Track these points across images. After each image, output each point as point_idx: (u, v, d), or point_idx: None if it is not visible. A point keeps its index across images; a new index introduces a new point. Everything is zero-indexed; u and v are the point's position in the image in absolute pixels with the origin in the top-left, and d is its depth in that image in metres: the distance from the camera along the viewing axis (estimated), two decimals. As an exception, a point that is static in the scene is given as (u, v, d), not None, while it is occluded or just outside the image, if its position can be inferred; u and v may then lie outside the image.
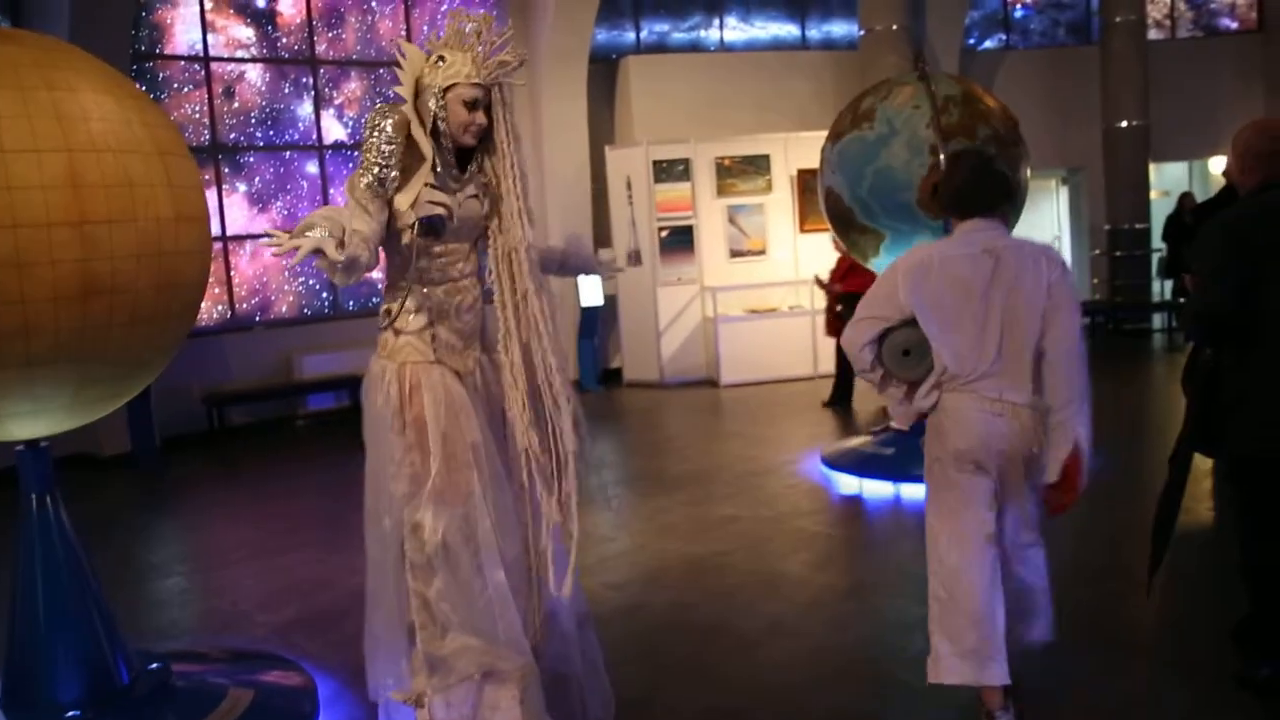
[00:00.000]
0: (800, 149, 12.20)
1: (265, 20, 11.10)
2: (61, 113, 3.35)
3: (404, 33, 11.97)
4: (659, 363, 12.21)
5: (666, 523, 6.37)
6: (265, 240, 3.05)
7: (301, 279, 11.37)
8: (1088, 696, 3.85)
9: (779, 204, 12.36)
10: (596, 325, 12.31)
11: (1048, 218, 15.67)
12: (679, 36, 14.30)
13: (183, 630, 5.20)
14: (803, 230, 12.30)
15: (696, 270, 12.21)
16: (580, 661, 3.60)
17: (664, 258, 12.19)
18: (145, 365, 3.81)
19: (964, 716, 3.63)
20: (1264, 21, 15.10)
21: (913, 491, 6.71)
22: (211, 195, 10.40)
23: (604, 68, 13.14)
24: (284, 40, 11.24)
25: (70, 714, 3.73)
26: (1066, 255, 16.85)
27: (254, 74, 11.08)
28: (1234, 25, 15.43)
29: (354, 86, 11.79)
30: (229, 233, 10.75)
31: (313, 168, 11.48)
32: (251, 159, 11.07)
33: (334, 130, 11.63)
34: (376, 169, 3.18)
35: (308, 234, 2.93)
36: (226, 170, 10.82)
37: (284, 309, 11.25)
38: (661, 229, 12.14)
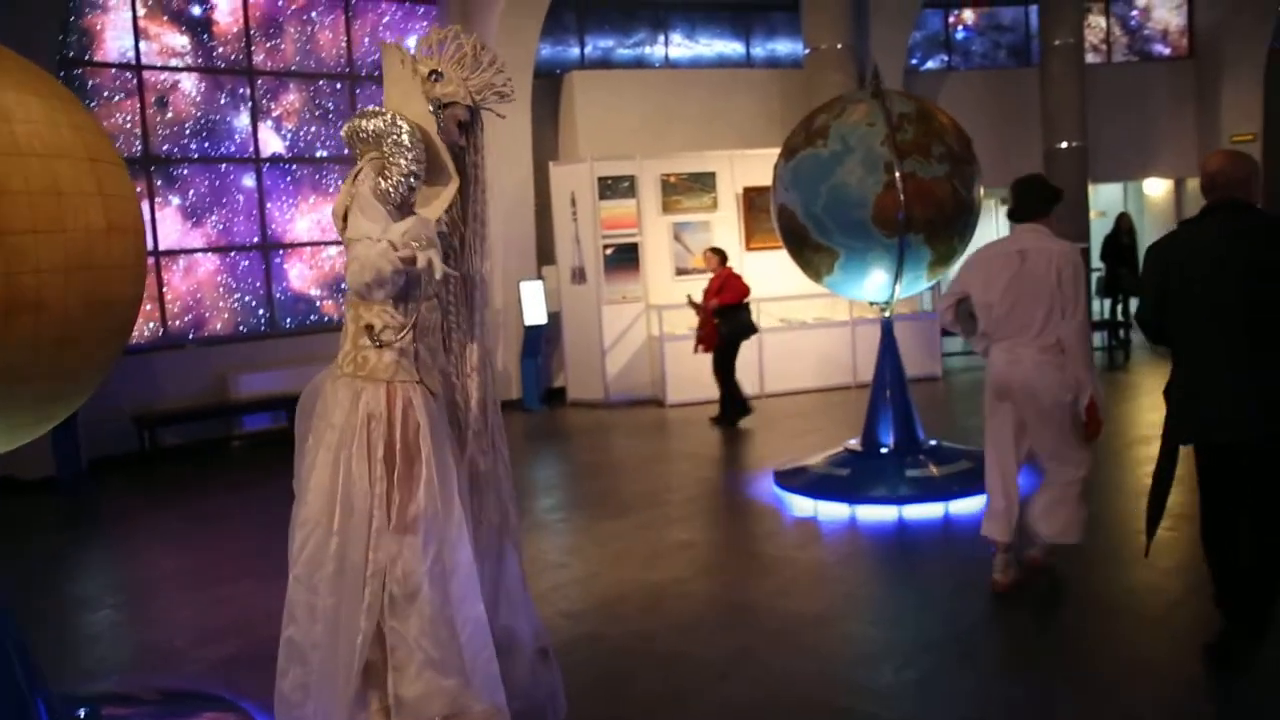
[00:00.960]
0: (746, 166, 12.16)
1: (200, 28, 10.78)
2: (-18, 114, 3.10)
3: (344, 43, 11.71)
4: (604, 381, 12.03)
5: (620, 548, 6.19)
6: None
7: (237, 295, 11.03)
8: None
9: (725, 221, 12.27)
10: (540, 344, 12.11)
11: (987, 236, 15.73)
12: (624, 53, 14.20)
13: (112, 669, 4.89)
14: (749, 248, 12.22)
15: (642, 288, 12.07)
16: (543, 695, 3.44)
17: (609, 275, 12.03)
18: (76, 387, 3.55)
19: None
20: (1195, 49, 15.40)
21: (869, 513, 6.62)
22: (144, 208, 10.04)
23: (548, 83, 12.99)
24: (220, 49, 10.93)
25: (-14, 766, 3.45)
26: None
27: (188, 83, 10.75)
28: (1166, 51, 15.72)
29: (293, 98, 11.49)
30: (161, 247, 10.39)
31: (249, 181, 11.16)
32: (185, 171, 10.72)
33: (272, 143, 11.32)
34: (413, 180, 3.13)
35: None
36: (159, 183, 10.47)
37: (219, 326, 10.90)
38: (606, 246, 11.99)
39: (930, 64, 15.42)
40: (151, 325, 10.32)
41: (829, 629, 4.77)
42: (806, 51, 13.72)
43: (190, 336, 10.66)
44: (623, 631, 4.82)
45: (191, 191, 10.78)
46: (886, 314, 7.45)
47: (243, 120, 11.09)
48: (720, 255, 10.37)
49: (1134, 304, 14.66)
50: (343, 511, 3.10)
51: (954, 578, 5.35)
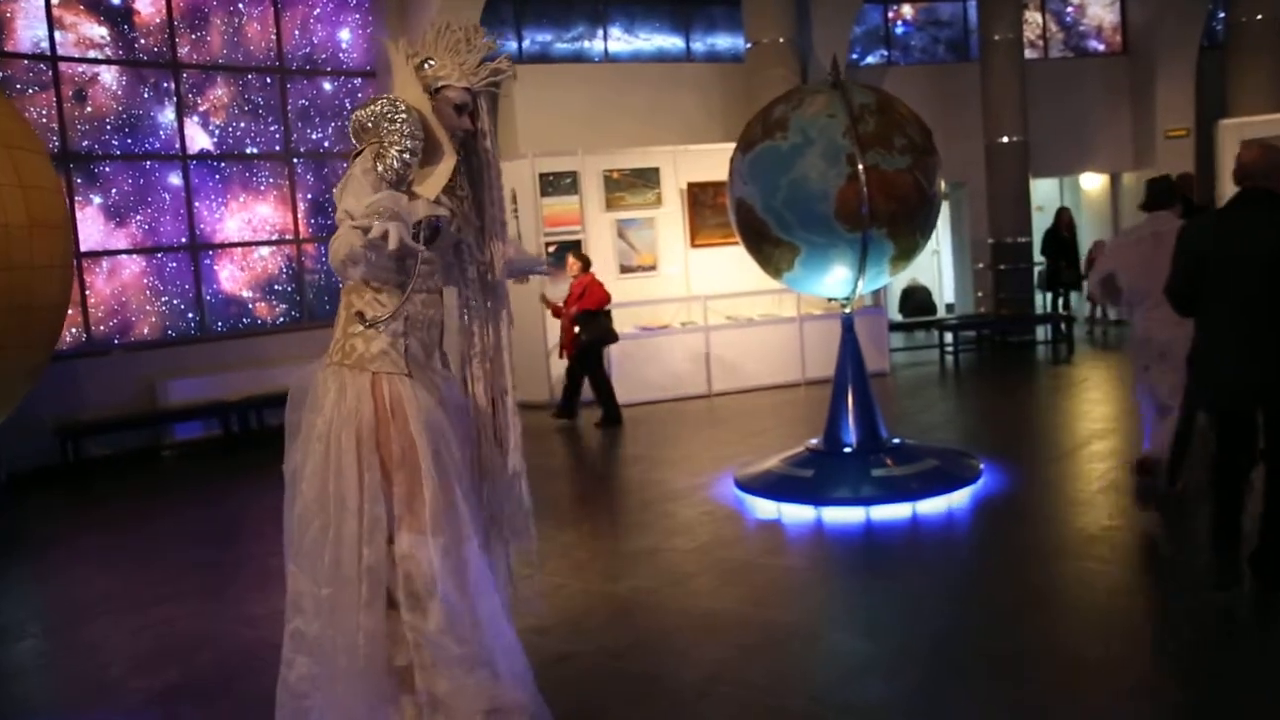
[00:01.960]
0: (691, 162, 11.96)
1: (120, 19, 10.29)
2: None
3: (273, 36, 11.27)
4: (549, 383, 11.73)
5: (580, 558, 5.93)
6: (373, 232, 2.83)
7: (165, 298, 10.54)
8: None
9: (669, 218, 12.05)
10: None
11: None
12: (562, 47, 13.92)
13: (40, 704, 4.52)
14: (694, 245, 12.03)
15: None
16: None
17: (552, 274, 11.74)
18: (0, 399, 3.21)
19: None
20: (1128, 45, 15.54)
21: (836, 515, 6.44)
22: (62, 207, 9.52)
23: (485, 77, 12.64)
24: (142, 41, 10.44)
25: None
26: (947, 269, 17.09)
27: (109, 76, 10.25)
28: (1101, 48, 15.84)
29: (220, 93, 11.03)
30: (83, 248, 9.88)
31: (176, 179, 10.68)
32: (107, 169, 10.22)
33: (199, 139, 10.85)
34: (408, 155, 3.05)
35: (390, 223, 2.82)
36: (79, 180, 9.96)
37: (145, 331, 10.42)
38: (549, 244, 11.70)
39: (870, 59, 15.37)
40: (74, 330, 9.81)
41: (809, 641, 4.56)
42: (748, 46, 13.59)
43: (115, 342, 10.17)
44: (593, 649, 4.55)
45: (114, 190, 10.29)
46: (847, 310, 7.28)
47: (168, 115, 10.62)
48: (584, 261, 10.29)
49: (1074, 298, 14.78)
50: (335, 502, 3.03)
51: (931, 583, 5.18)
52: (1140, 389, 6.44)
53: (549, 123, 12.60)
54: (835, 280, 6.93)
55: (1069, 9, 15.86)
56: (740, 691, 4.04)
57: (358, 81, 11.93)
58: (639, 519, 6.68)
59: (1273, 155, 4.60)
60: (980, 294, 15.10)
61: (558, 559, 5.90)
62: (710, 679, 4.16)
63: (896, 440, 7.23)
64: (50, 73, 9.75)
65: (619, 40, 14.21)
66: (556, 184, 11.73)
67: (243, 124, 11.15)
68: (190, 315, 10.71)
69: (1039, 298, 14.93)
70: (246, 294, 11.25)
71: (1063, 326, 13.50)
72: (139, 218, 10.44)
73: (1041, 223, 14.90)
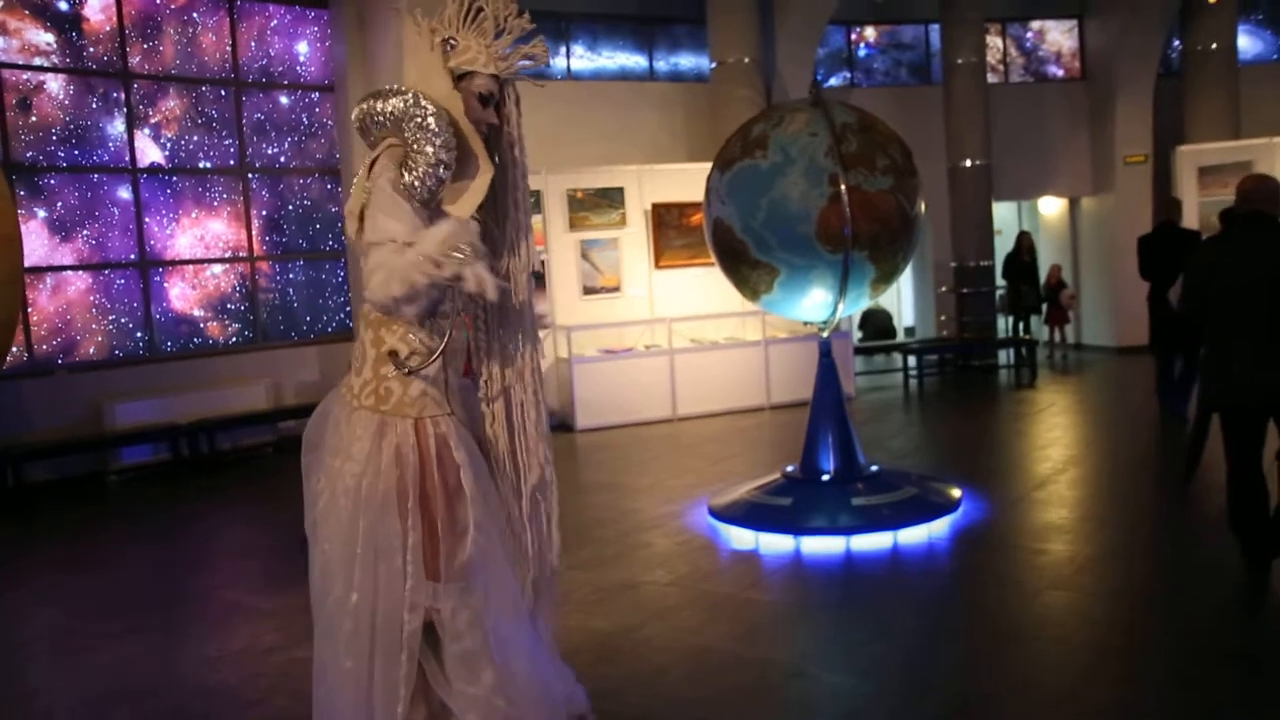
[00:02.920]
0: (655, 182, 11.81)
1: (69, 25, 9.92)
2: None
3: (229, 47, 10.95)
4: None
5: (559, 593, 5.68)
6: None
7: (112, 316, 10.15)
8: None
9: (634, 239, 11.87)
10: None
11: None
12: (524, 63, 13.69)
13: (-22, 755, 4.19)
14: (658, 266, 11.86)
15: (548, 308, 11.56)
16: None
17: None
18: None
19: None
20: (1087, 71, 15.66)
21: (815, 545, 6.25)
22: (5, 221, 9.12)
23: (447, 93, 12.40)
24: (91, 49, 10.08)
25: None
26: (907, 292, 17.07)
27: (55, 85, 9.87)
28: (1060, 73, 15.96)
29: (173, 104, 10.68)
30: (26, 263, 9.46)
31: (125, 193, 10.31)
32: (53, 181, 9.83)
33: (150, 152, 10.49)
34: (442, 169, 2.68)
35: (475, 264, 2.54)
36: (22, 193, 9.56)
37: (91, 350, 10.02)
38: (512, 264, 11.45)
39: (834, 80, 15.33)
40: (16, 349, 9.39)
41: (806, 680, 4.35)
42: (713, 65, 13.50)
43: (60, 361, 9.76)
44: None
45: (59, 203, 9.90)
46: (824, 334, 7.11)
47: (117, 127, 10.25)
48: None
49: (1035, 322, 14.81)
50: (363, 564, 2.70)
51: (922, 617, 5.00)
52: None
53: (511, 140, 12.36)
54: (814, 303, 6.76)
55: (1029, 34, 15.96)
56: (738, 738, 3.83)
57: (315, 96, 11.64)
58: (615, 550, 6.45)
59: (1268, 183, 5.23)
60: (943, 317, 15.07)
61: (532, 592, 5.64)
62: (706, 724, 3.95)
63: (875, 467, 7.07)
64: (-6, 81, 9.38)
65: (582, 58, 14.05)
66: (519, 203, 11.49)
67: (196, 137, 10.80)
68: (139, 334, 10.32)
69: (1000, 321, 14.95)
70: (198, 313, 10.88)
71: (1024, 351, 13.50)
72: (86, 233, 10.06)
73: (1002, 246, 14.93)
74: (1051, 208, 16.58)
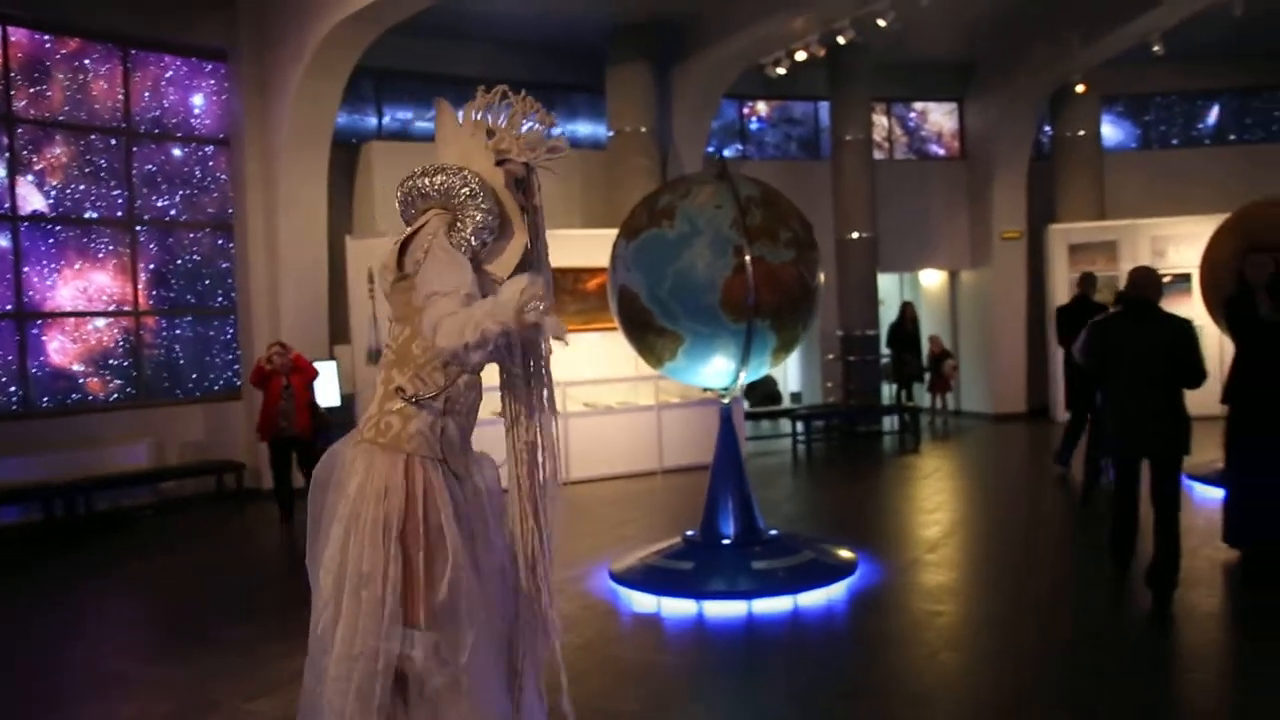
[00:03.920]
0: (552, 247, 11.83)
1: (-50, 68, 9.59)
2: None
3: (121, 96, 10.71)
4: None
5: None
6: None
7: (-15, 370, 9.73)
8: None
9: (530, 302, 11.88)
10: (331, 429, 11.28)
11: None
12: (423, 125, 13.74)
13: None
14: (555, 330, 11.88)
15: (444, 370, 11.48)
16: None
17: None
18: None
19: None
20: (966, 151, 16.42)
21: (718, 610, 6.31)
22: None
23: (343, 152, 12.33)
24: (-26, 94, 9.75)
25: None
26: (794, 358, 17.44)
27: (-65, 130, 9.51)
28: (942, 152, 16.69)
29: (59, 151, 10.37)
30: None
31: (4, 240, 9.94)
32: (-73, 227, 9.44)
33: (32, 199, 10.15)
34: (487, 233, 3.02)
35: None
36: (-106, 239, 9.15)
37: (-40, 405, 9.56)
38: (408, 324, 11.37)
39: (727, 152, 15.72)
40: (-122, 403, 8.92)
41: (717, 747, 4.39)
42: (610, 134, 13.72)
43: (-75, 416, 9.30)
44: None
45: (-67, 251, 9.49)
46: (725, 400, 7.25)
47: (-1, 173, 9.90)
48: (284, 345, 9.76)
49: (917, 389, 15.29)
50: (350, 590, 2.79)
51: (825, 679, 5.10)
52: None
53: (409, 201, 12.32)
54: (717, 370, 6.89)
55: (912, 114, 16.67)
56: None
57: (210, 149, 11.44)
58: (516, 614, 6.39)
59: (1150, 274, 6.29)
60: (830, 384, 15.44)
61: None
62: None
63: (774, 531, 7.20)
64: None
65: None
66: (417, 263, 11.46)
67: (83, 186, 10.50)
68: (13, 389, 9.89)
69: (885, 389, 15.39)
70: (78, 367, 10.49)
71: (908, 417, 13.91)
72: (-40, 282, 9.66)
73: (886, 316, 15.43)
74: (932, 280, 17.22)
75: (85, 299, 10.52)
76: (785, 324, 6.72)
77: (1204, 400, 6.72)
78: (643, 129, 13.50)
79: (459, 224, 2.96)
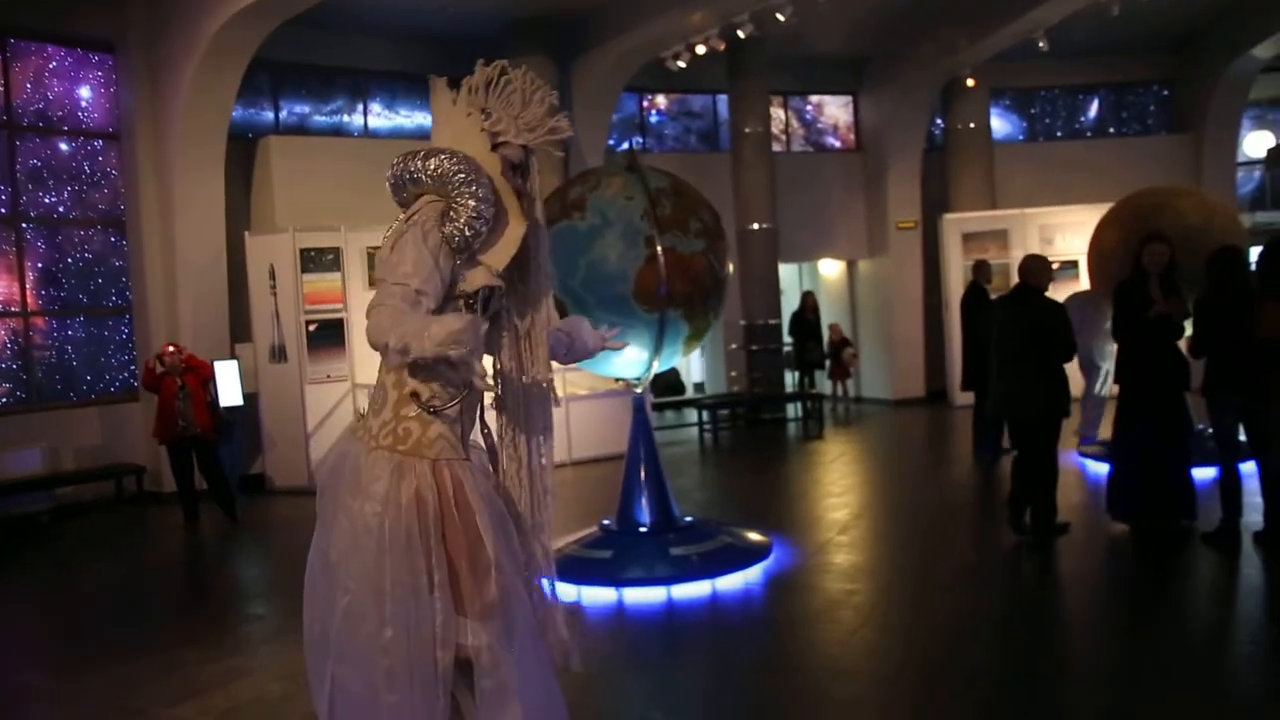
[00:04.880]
0: (458, 240, 11.82)
1: None
2: None
3: (1, 88, 10.31)
4: (308, 466, 11.15)
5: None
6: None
7: None
8: None
9: (436, 296, 11.81)
10: (233, 429, 11.07)
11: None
12: (320, 119, 13.52)
13: None
14: (461, 323, 11.83)
15: (348, 366, 11.37)
16: None
17: (312, 353, 11.28)
18: None
19: None
20: (861, 143, 16.79)
21: (638, 596, 6.40)
22: None
23: (240, 147, 12.07)
24: None
25: None
26: (696, 352, 17.63)
27: None
28: (838, 144, 17.03)
29: (-62, 148, 9.95)
30: None
31: (-120, 242, 9.50)
32: None
33: (-90, 198, 9.72)
34: (481, 223, 2.85)
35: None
36: None
37: None
38: (310, 322, 11.25)
39: (625, 145, 15.80)
40: None
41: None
42: (512, 127, 13.67)
43: None
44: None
45: None
46: (638, 390, 7.33)
47: (-127, 171, 9.46)
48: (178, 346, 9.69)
49: (819, 376, 15.59)
50: (394, 600, 2.74)
51: (749, 657, 5.22)
52: None
53: (308, 196, 12.12)
54: (629, 361, 6.97)
55: (808, 107, 16.97)
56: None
57: (99, 143, 11.09)
58: (436, 608, 6.38)
59: (1036, 261, 7.21)
60: (734, 373, 15.65)
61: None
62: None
63: (689, 518, 7.31)
64: None
65: (379, 116, 13.96)
66: (319, 260, 11.33)
67: (-37, 184, 10.10)
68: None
69: (787, 377, 15.66)
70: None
71: (810, 404, 14.19)
72: None
73: (787, 306, 15.69)
74: (831, 269, 17.56)
75: (-32, 301, 10.12)
76: (697, 313, 6.83)
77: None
78: (544, 122, 13.47)
79: (453, 212, 2.84)
